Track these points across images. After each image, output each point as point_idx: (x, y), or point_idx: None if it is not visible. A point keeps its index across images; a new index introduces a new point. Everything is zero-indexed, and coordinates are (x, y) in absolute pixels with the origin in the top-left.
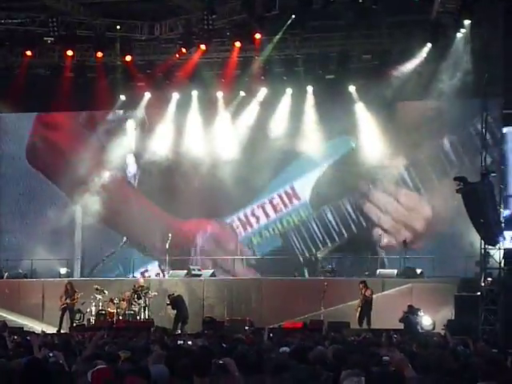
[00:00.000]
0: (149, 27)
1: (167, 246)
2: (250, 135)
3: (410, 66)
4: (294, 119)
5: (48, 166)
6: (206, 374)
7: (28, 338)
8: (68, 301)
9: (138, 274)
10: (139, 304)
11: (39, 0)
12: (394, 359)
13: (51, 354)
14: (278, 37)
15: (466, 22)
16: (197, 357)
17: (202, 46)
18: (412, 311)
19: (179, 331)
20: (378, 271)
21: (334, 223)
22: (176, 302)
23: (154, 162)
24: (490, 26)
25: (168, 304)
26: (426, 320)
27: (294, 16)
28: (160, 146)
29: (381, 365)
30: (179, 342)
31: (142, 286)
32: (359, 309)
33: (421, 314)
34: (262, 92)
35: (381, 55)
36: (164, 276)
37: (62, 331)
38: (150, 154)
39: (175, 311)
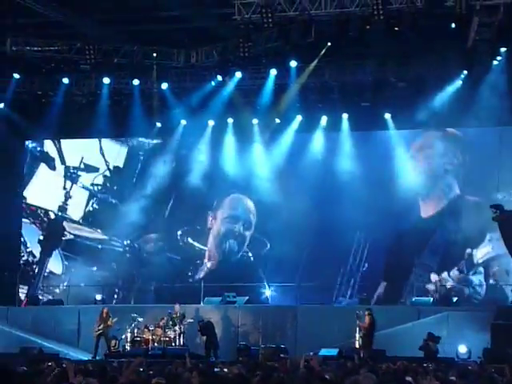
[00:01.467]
0: (185, 55)
1: (202, 275)
2: (285, 162)
3: (445, 93)
4: (329, 146)
5: None
6: None
7: (64, 364)
8: (102, 327)
9: None
10: (174, 331)
11: (76, 27)
12: None
13: (85, 382)
14: (313, 64)
15: (503, 50)
16: None
17: (238, 73)
18: (432, 339)
19: (214, 358)
20: (413, 299)
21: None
22: (205, 328)
23: (190, 187)
24: None
25: (198, 330)
26: (461, 348)
27: (329, 43)
28: (196, 172)
29: None
30: (215, 370)
31: (178, 313)
32: (360, 337)
33: (441, 341)
34: (298, 119)
35: (416, 82)
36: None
37: (97, 357)
38: (185, 180)
39: (205, 337)
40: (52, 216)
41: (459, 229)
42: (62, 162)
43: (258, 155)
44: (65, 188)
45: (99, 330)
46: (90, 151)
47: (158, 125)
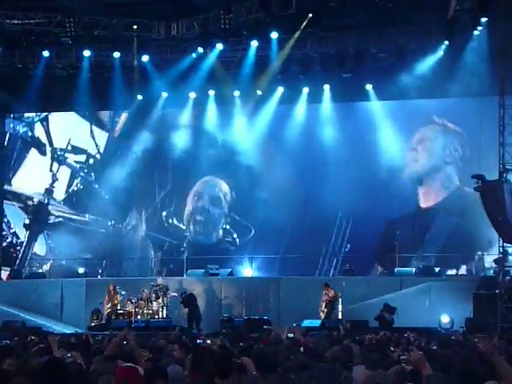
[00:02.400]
0: (166, 27)
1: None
2: (267, 134)
3: (427, 63)
4: (311, 117)
5: None
6: (227, 375)
7: (48, 337)
8: (110, 305)
9: None
10: (158, 303)
11: (56, 0)
12: (412, 357)
13: (69, 355)
14: (295, 36)
15: (483, 20)
16: (218, 358)
17: (219, 45)
18: (388, 309)
19: (196, 330)
20: (395, 270)
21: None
22: (188, 300)
23: (171, 159)
24: (507, 22)
25: (181, 302)
26: (444, 318)
27: (310, 15)
28: (178, 147)
29: (398, 363)
30: (198, 341)
31: (161, 286)
32: (325, 310)
33: (396, 312)
34: (279, 91)
35: (397, 53)
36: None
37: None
38: (167, 158)
39: (187, 309)
40: (37, 200)
41: (463, 223)
42: (50, 143)
43: (240, 127)
44: (51, 170)
45: (107, 309)
46: (77, 132)
47: (139, 97)
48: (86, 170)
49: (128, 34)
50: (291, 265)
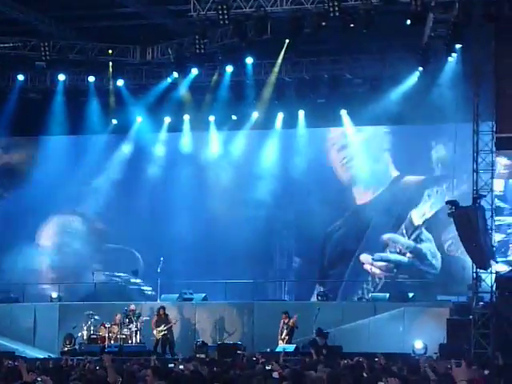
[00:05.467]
0: (141, 51)
1: (159, 270)
2: (242, 158)
3: (401, 89)
4: (285, 143)
5: None
6: None
7: (16, 363)
8: (165, 327)
9: None
10: (130, 328)
11: (31, 24)
12: None
13: (39, 379)
14: (278, 63)
15: (457, 46)
16: (189, 382)
17: (194, 70)
18: (320, 334)
19: (170, 355)
20: (369, 295)
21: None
22: None
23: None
24: (481, 49)
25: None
26: (417, 344)
27: (287, 41)
28: (152, 169)
29: None
30: (170, 366)
31: (134, 311)
32: (286, 337)
33: (328, 337)
34: (254, 116)
35: (372, 79)
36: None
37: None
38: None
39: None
40: None
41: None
42: None
43: (214, 152)
44: None
45: (163, 331)
46: None
47: (114, 122)
48: None
49: (103, 59)
50: (264, 290)
